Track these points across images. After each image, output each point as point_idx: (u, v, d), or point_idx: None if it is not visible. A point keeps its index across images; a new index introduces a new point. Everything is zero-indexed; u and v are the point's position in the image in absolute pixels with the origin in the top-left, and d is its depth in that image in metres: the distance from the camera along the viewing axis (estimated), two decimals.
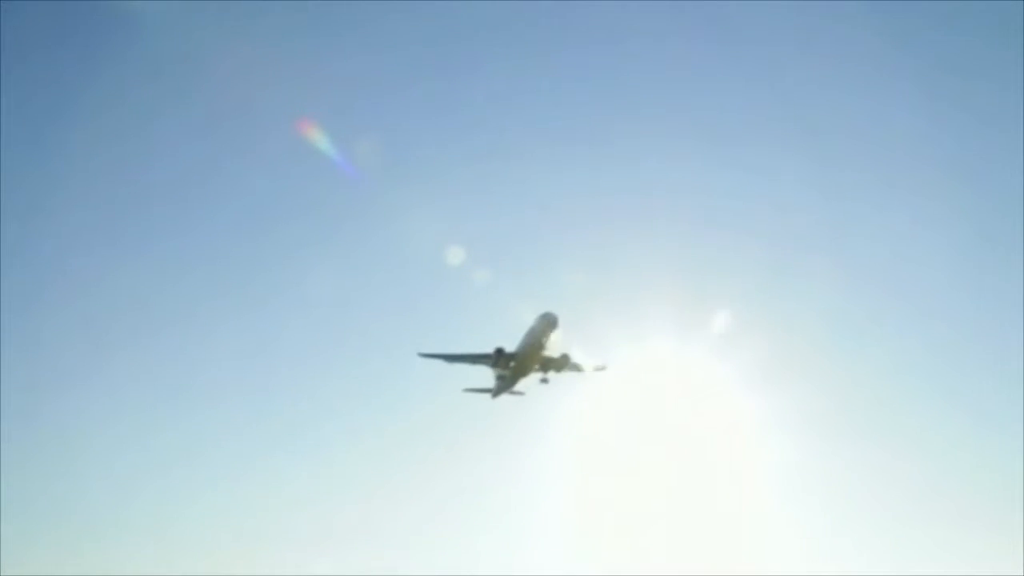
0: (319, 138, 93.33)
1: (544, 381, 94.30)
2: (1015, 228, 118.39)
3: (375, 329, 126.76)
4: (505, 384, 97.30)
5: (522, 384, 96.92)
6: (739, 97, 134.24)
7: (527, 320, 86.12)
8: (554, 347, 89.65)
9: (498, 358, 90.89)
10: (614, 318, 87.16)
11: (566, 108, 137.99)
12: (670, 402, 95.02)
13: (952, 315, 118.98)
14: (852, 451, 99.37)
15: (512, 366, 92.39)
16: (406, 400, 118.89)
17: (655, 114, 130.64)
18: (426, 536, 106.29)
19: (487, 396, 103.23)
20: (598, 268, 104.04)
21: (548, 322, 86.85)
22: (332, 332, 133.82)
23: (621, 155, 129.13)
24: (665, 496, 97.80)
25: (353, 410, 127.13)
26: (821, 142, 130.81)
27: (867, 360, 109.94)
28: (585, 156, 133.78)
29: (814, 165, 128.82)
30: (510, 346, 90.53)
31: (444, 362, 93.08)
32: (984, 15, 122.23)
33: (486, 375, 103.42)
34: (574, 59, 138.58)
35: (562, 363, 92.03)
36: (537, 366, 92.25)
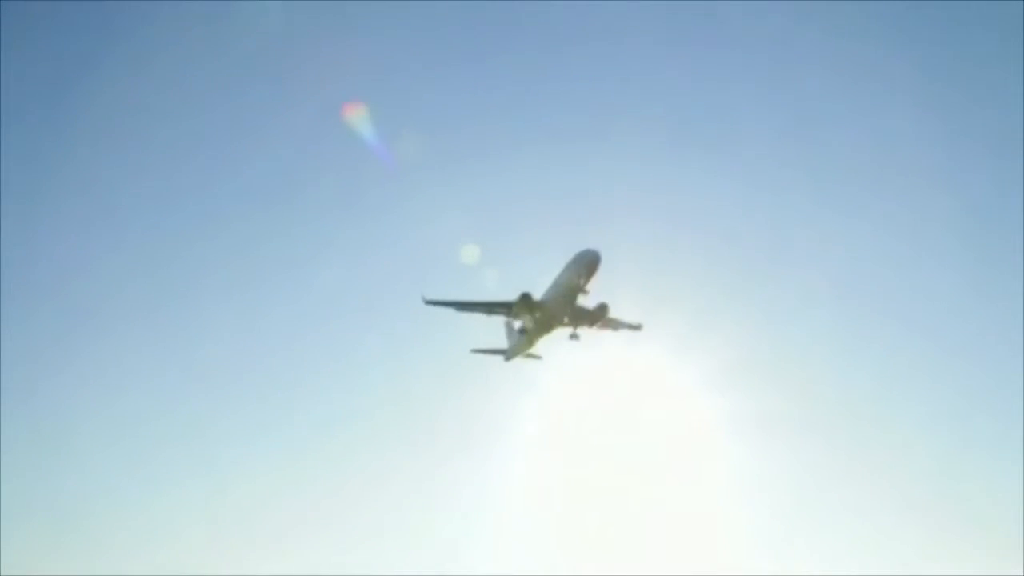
0: (361, 121, 77.04)
1: (574, 337, 78.36)
2: (1006, 232, 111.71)
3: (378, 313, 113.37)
4: (523, 343, 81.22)
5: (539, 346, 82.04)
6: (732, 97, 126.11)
7: None
8: (590, 295, 74.00)
9: (522, 307, 74.62)
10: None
11: (562, 106, 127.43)
12: (633, 401, 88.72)
13: (917, 316, 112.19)
14: (813, 451, 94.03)
15: (537, 317, 76.22)
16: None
17: (652, 114, 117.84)
18: (388, 531, 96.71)
19: (499, 359, 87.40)
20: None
21: (588, 262, 70.92)
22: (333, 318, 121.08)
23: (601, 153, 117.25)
24: (628, 495, 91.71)
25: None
26: (794, 144, 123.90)
27: (832, 362, 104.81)
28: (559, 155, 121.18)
29: (794, 169, 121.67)
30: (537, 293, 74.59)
31: (454, 311, 76.82)
32: (984, 15, 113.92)
33: (496, 333, 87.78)
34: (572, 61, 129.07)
35: (598, 315, 76.24)
36: (567, 318, 76.23)
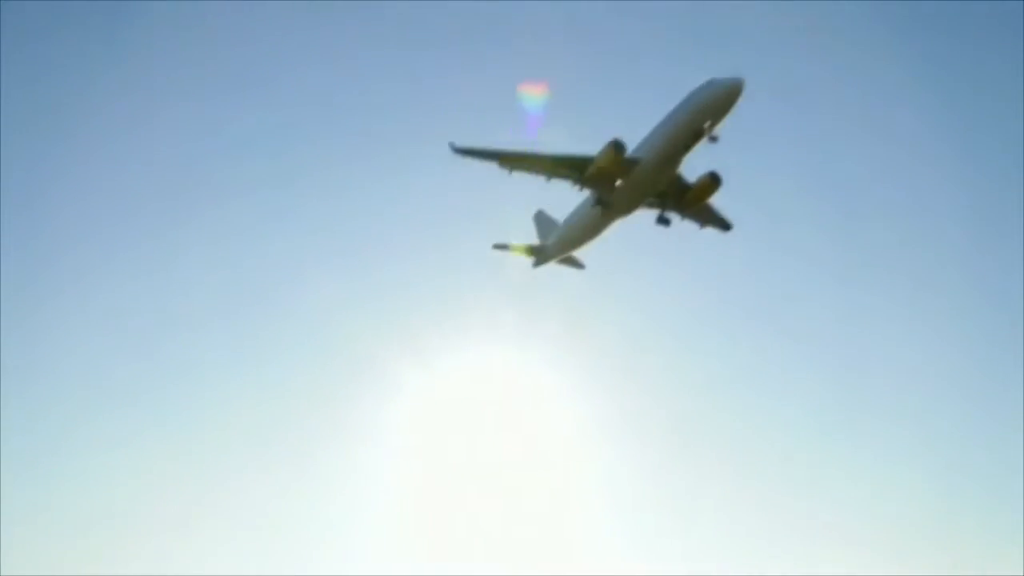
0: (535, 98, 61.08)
1: (663, 222, 56.29)
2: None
3: None
4: (587, 227, 58.01)
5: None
6: None
7: None
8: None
9: (608, 164, 51.82)
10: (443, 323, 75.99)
11: None
12: (500, 407, 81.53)
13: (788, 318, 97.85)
14: (682, 456, 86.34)
15: (620, 186, 53.54)
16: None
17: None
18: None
19: (526, 262, 63.95)
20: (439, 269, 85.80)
21: (724, 94, 48.99)
22: None
23: None
24: (492, 499, 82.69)
25: None
26: None
27: (703, 367, 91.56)
28: None
29: None
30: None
31: (489, 165, 53.43)
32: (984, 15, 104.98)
33: (525, 228, 64.83)
34: None
35: (705, 191, 54.56)
36: (662, 188, 54.23)
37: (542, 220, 64.55)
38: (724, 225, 58.37)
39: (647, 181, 53.32)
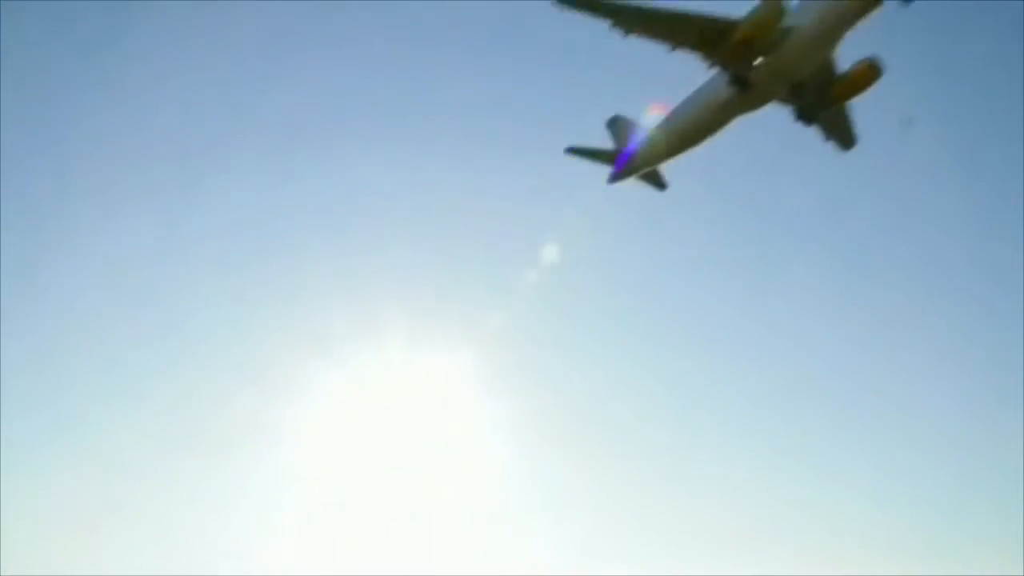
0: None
1: (805, 119, 45.59)
2: None
3: None
4: (707, 120, 46.09)
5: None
6: None
7: None
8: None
9: (771, 16, 40.70)
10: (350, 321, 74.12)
11: None
12: (403, 406, 78.31)
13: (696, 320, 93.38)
14: (584, 458, 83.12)
15: (761, 65, 42.47)
16: None
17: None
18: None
19: (603, 172, 51.98)
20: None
21: None
22: None
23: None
24: (395, 498, 78.92)
25: None
26: None
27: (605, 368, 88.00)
28: None
29: None
30: None
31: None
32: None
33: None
34: None
35: (860, 81, 44.26)
36: (810, 72, 43.45)
37: (620, 126, 52.61)
38: (849, 140, 48.09)
39: (799, 58, 42.15)
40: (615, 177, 51.47)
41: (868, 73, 43.84)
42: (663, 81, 48.05)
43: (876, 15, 41.16)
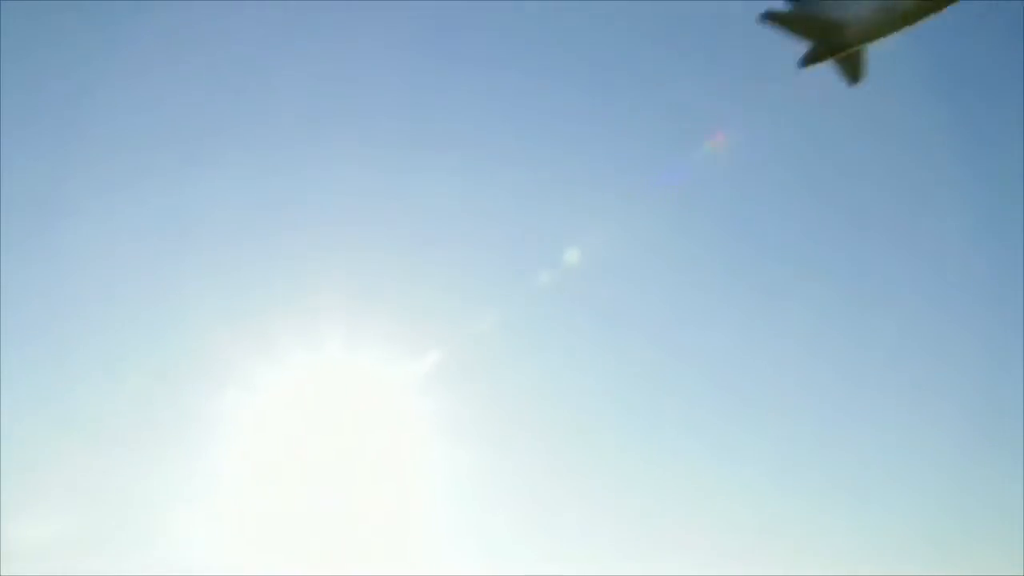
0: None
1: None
2: None
3: None
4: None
5: None
6: None
7: None
8: None
9: None
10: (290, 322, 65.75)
11: None
12: (345, 407, 71.95)
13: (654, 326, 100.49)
14: (535, 457, 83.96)
15: None
16: None
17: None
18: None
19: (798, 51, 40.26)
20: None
21: None
22: None
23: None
24: (340, 501, 66.99)
25: None
26: None
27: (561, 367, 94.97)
28: None
29: None
30: None
31: None
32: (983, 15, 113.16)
33: None
34: None
35: None
36: None
37: None
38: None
39: None
40: (812, 59, 40.39)
41: None
42: None
43: None
